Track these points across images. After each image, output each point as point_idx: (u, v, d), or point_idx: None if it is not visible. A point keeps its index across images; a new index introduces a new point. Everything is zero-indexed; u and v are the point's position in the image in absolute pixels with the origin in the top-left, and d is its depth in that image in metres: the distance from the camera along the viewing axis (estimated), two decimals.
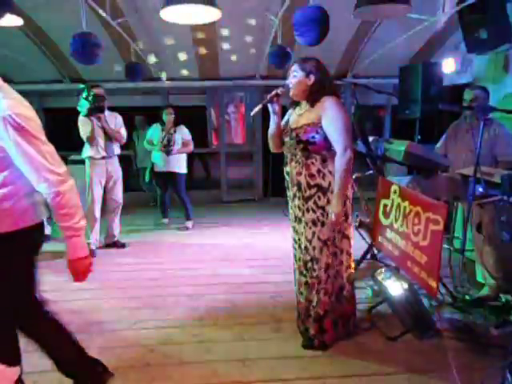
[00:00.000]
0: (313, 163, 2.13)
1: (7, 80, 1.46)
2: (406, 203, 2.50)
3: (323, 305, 2.25)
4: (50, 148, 1.48)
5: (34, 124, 1.44)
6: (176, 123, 4.88)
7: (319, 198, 2.13)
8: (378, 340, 2.41)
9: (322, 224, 2.15)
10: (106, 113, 4.03)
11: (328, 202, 2.13)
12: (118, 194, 4.27)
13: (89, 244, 3.94)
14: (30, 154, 1.40)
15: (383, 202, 2.86)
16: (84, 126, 3.92)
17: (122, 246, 4.38)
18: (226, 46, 5.35)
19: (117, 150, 4.20)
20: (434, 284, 2.14)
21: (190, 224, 5.16)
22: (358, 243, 3.05)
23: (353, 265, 2.38)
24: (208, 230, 5.11)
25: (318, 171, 2.12)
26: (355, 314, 2.48)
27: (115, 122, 4.14)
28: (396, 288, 2.47)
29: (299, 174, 2.18)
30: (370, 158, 3.15)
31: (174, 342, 2.46)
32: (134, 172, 6.72)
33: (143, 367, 2.20)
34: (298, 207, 2.24)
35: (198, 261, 3.94)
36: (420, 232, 2.31)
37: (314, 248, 2.18)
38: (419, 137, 5.37)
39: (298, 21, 2.83)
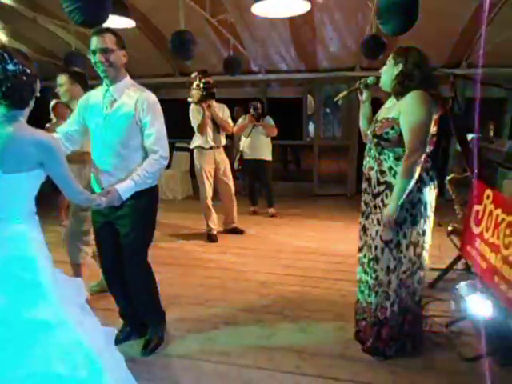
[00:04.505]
0: (385, 159, 2.01)
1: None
2: (499, 211, 2.20)
3: (383, 310, 2.12)
4: None
5: None
6: (263, 114, 5.04)
7: (386, 196, 2.00)
8: (449, 358, 2.19)
9: (385, 224, 2.03)
10: (214, 104, 4.15)
11: None
12: (230, 178, 4.42)
13: (210, 230, 4.33)
14: None
15: (476, 207, 2.56)
16: (195, 114, 4.09)
17: (241, 232, 4.57)
18: (324, 37, 5.25)
19: (223, 140, 4.34)
20: None
21: (272, 211, 5.32)
22: (449, 251, 2.81)
23: (421, 276, 2.14)
24: (294, 222, 5.14)
25: (390, 168, 1.99)
26: (417, 335, 2.24)
27: (223, 112, 4.27)
28: (481, 306, 2.22)
29: (371, 168, 2.08)
30: (466, 159, 2.82)
31: (238, 323, 2.59)
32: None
33: (205, 341, 2.38)
34: (367, 203, 2.15)
35: (278, 250, 4.02)
36: (511, 245, 2.03)
37: (376, 247, 2.07)
38: None
39: (381, 7, 2.61)
